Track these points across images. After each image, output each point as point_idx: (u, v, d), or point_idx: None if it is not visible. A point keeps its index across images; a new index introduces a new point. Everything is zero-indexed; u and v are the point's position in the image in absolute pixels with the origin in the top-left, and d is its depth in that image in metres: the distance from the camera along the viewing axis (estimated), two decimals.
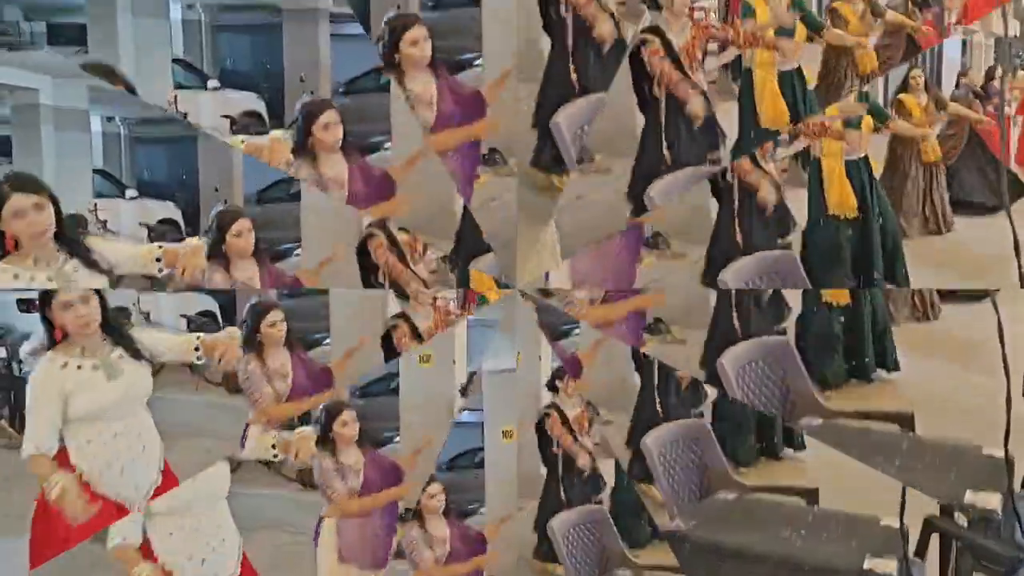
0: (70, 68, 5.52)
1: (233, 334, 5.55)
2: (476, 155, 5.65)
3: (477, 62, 5.64)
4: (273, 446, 5.64)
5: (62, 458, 5.14)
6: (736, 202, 5.73)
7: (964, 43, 6.32)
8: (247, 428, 5.64)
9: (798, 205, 5.86)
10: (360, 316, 5.76)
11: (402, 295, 5.65)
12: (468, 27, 5.62)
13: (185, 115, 5.66)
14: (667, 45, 5.74)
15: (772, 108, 5.82)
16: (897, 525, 5.37)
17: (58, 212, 5.05)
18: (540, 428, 5.90)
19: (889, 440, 5.67)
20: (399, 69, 5.53)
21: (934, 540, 5.44)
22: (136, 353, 5.12)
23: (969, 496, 5.52)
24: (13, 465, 5.18)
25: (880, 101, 6.11)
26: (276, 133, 5.51)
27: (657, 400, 5.82)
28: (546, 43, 5.70)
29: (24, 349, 5.31)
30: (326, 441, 5.75)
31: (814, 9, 6.02)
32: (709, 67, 5.80)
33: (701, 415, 5.80)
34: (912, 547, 5.50)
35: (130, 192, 5.65)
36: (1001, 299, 5.71)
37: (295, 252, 5.67)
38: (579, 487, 5.90)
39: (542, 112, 5.71)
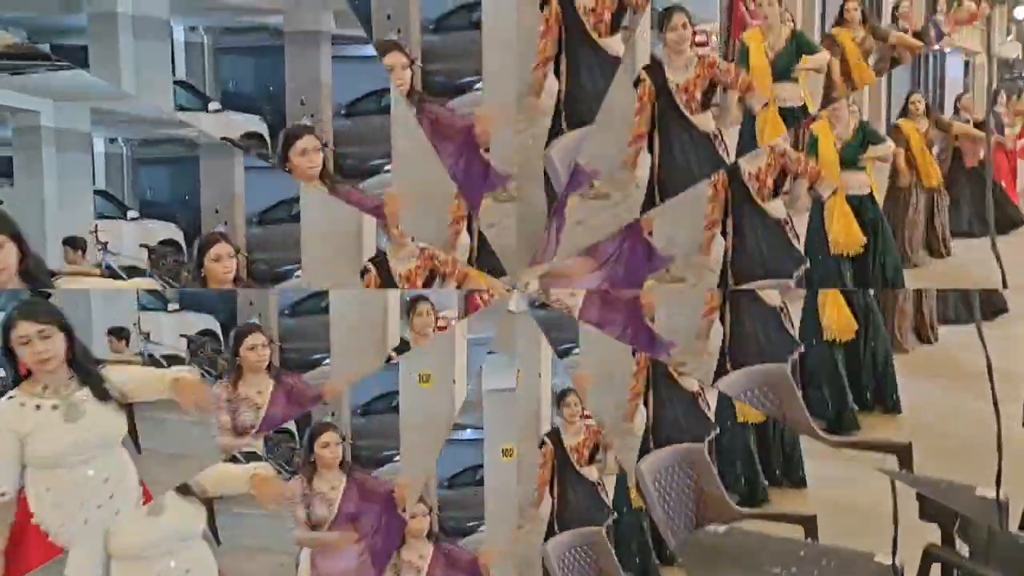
0: (72, 90, 5.37)
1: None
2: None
3: (477, 86, 5.52)
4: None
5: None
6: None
7: (966, 64, 6.18)
8: None
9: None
10: (360, 334, 5.58)
11: None
12: (469, 51, 5.53)
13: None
14: (661, 82, 5.57)
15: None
16: (889, 562, 5.18)
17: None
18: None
19: (787, 548, 5.51)
20: None
21: (935, 570, 5.26)
22: (103, 394, 4.75)
23: None
24: None
25: (883, 124, 5.98)
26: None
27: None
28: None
29: None
30: (307, 464, 5.54)
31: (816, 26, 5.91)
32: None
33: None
34: None
35: (131, 213, 5.57)
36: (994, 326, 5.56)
37: (295, 274, 5.55)
38: (576, 513, 5.72)
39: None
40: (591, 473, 5.70)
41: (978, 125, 6.08)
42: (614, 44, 5.55)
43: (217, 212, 5.52)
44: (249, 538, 5.49)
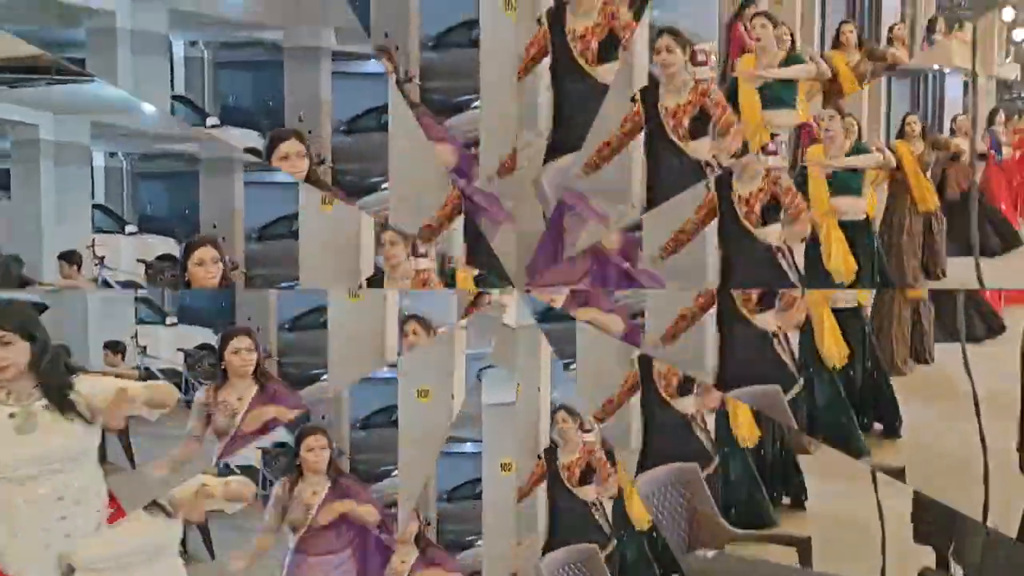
0: (72, 104, 5.30)
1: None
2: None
3: (475, 104, 5.43)
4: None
5: None
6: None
7: (965, 84, 6.09)
8: None
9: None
10: (360, 345, 5.51)
11: None
12: (467, 69, 5.44)
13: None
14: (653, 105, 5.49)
15: None
16: None
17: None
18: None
19: (777, 574, 5.43)
20: None
21: None
22: (65, 406, 4.32)
23: None
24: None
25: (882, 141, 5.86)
26: None
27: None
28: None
29: None
30: (292, 467, 5.46)
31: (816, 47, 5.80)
32: None
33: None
34: None
35: (129, 228, 5.50)
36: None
37: (296, 287, 5.47)
38: (569, 532, 5.63)
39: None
40: (585, 493, 5.55)
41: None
42: (603, 72, 5.41)
43: (215, 227, 5.42)
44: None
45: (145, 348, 5.47)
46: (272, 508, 5.31)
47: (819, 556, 5.36)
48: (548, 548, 5.60)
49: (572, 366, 5.60)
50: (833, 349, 5.49)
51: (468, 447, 5.60)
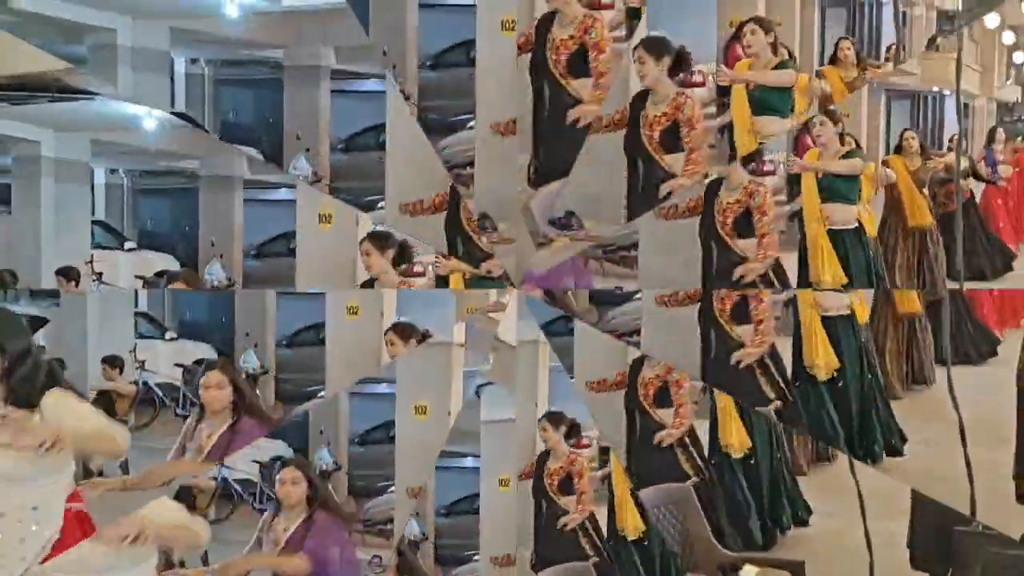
0: (73, 121, 5.30)
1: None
2: None
3: (470, 123, 5.40)
4: None
5: None
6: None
7: (966, 106, 6.03)
8: None
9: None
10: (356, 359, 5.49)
11: None
12: (464, 88, 5.42)
13: None
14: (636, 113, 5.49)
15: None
16: None
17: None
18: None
19: None
20: None
21: None
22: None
23: None
24: None
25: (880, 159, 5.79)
26: None
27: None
28: None
29: None
30: (273, 499, 5.40)
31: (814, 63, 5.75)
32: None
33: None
34: None
35: (128, 244, 5.47)
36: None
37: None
38: (551, 544, 5.56)
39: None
40: (567, 503, 5.49)
41: (973, 172, 5.87)
42: (576, 85, 5.37)
43: (214, 244, 5.40)
44: None
45: (144, 363, 5.41)
46: (255, 539, 5.24)
47: None
48: (536, 557, 5.49)
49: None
50: (821, 359, 5.38)
51: (468, 462, 5.55)
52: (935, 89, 5.91)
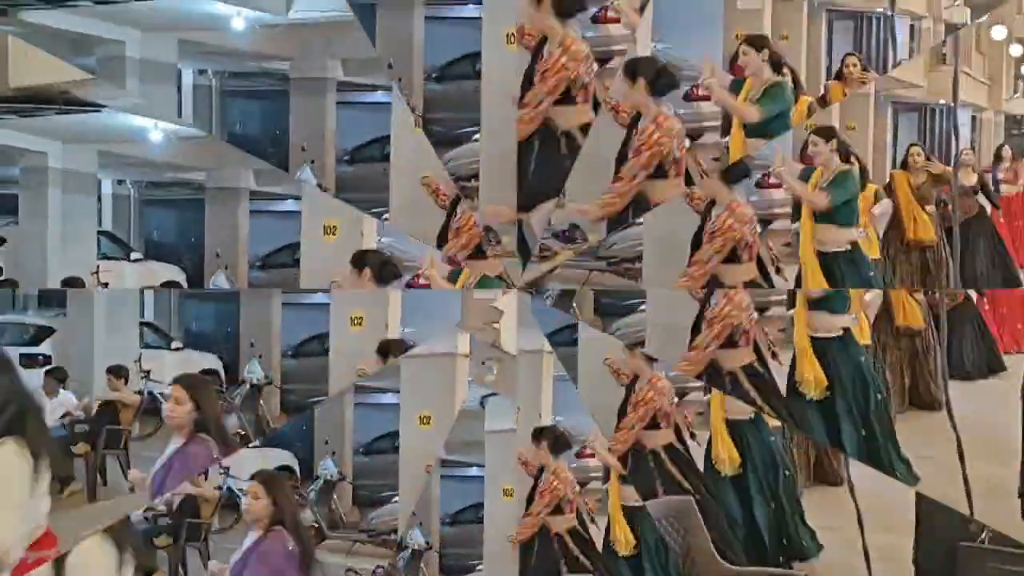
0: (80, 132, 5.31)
1: None
2: None
3: (475, 136, 5.40)
4: None
5: None
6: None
7: (973, 119, 5.99)
8: None
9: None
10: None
11: None
12: (470, 101, 5.40)
13: None
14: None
15: None
16: None
17: None
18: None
19: None
20: None
21: None
22: None
23: None
24: None
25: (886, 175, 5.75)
26: None
27: None
28: None
29: None
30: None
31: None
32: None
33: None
34: None
35: (135, 254, 5.49)
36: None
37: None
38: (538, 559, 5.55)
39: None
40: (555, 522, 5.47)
41: (972, 188, 5.84)
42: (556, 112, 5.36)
43: (219, 256, 5.40)
44: None
45: (149, 372, 5.42)
46: None
47: None
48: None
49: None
50: (810, 378, 5.36)
51: (473, 471, 5.52)
52: (942, 101, 5.86)
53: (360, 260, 5.37)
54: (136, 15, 5.37)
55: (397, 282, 5.38)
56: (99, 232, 5.45)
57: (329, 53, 5.47)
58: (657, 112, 5.36)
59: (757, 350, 5.42)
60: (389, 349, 5.49)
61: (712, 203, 5.40)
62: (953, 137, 5.80)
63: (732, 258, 5.37)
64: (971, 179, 5.82)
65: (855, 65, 5.63)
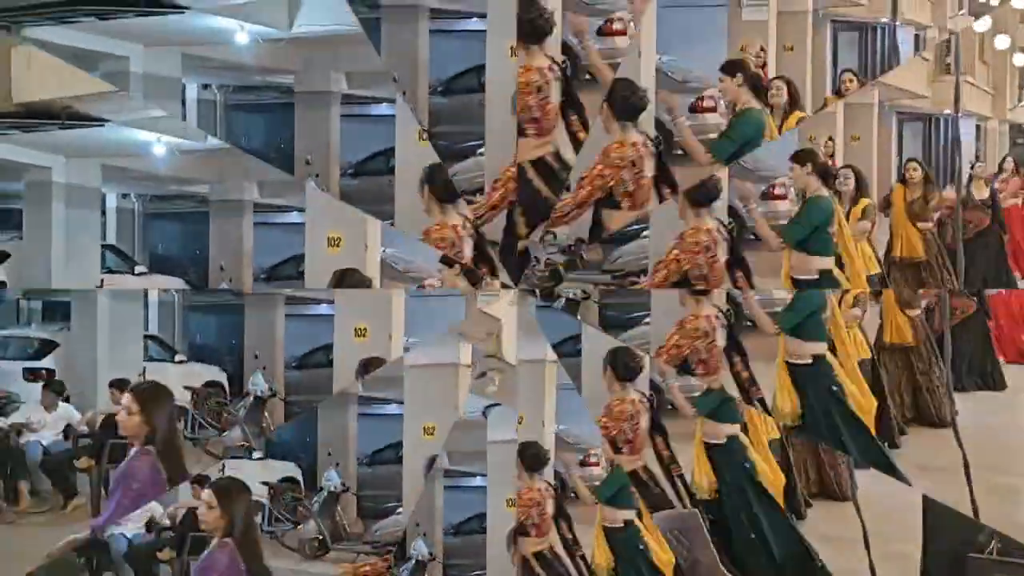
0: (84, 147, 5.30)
1: None
2: None
3: (480, 150, 5.36)
4: None
5: None
6: None
7: (978, 128, 5.97)
8: None
9: None
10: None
11: None
12: (474, 114, 5.37)
13: None
14: None
15: None
16: None
17: None
18: None
19: None
20: None
21: None
22: None
23: None
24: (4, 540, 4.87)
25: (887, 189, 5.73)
26: None
27: None
28: None
29: None
30: None
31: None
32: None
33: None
34: None
35: (139, 268, 5.47)
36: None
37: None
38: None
39: None
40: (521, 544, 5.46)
41: (984, 202, 5.81)
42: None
43: (223, 269, 5.37)
44: None
45: None
46: None
47: None
48: None
49: None
50: (785, 406, 5.33)
51: (476, 481, 5.50)
52: (946, 111, 5.84)
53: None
54: (140, 31, 5.35)
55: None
56: (103, 246, 5.43)
57: (333, 66, 5.43)
58: (612, 140, 5.32)
59: None
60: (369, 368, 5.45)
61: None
62: (956, 147, 5.76)
63: (683, 283, 5.33)
64: (983, 192, 5.78)
65: (851, 81, 5.59)
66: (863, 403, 5.35)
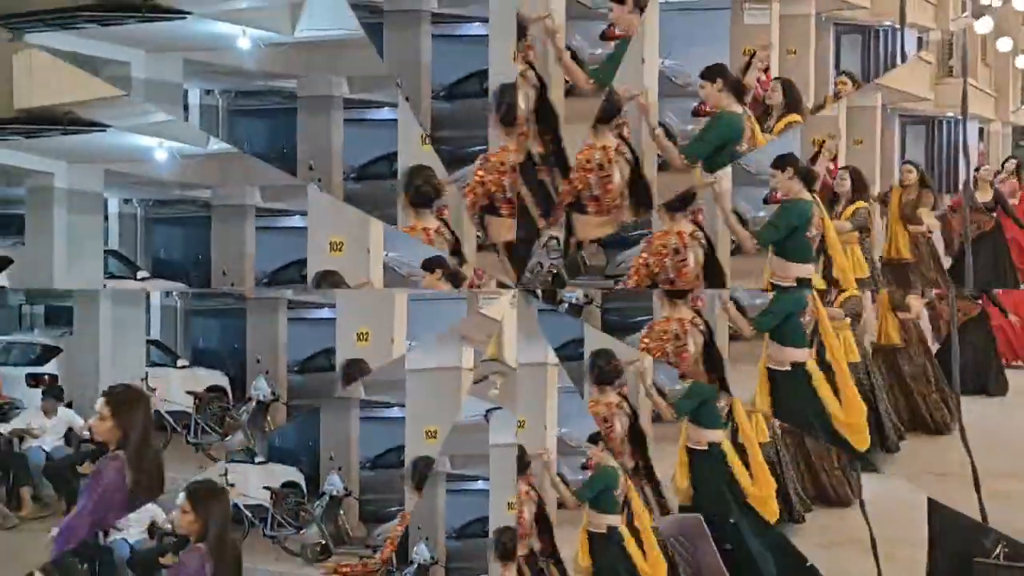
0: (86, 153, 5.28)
1: None
2: None
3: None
4: None
5: None
6: None
7: (981, 131, 5.95)
8: None
9: None
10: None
11: None
12: (477, 119, 5.34)
13: None
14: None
15: None
16: None
17: None
18: None
19: None
20: None
21: None
22: None
23: None
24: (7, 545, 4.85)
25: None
26: None
27: None
28: None
29: None
30: None
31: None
32: None
33: None
34: None
35: (141, 273, 5.46)
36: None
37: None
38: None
39: None
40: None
41: (987, 204, 5.79)
42: None
43: (225, 274, 5.37)
44: None
45: (155, 390, 5.38)
46: None
47: None
48: None
49: None
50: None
51: (478, 484, 5.49)
52: (949, 114, 5.82)
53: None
54: (141, 36, 5.34)
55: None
56: (106, 251, 5.42)
57: (335, 71, 5.39)
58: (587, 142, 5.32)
59: None
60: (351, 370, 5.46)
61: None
62: (961, 150, 5.75)
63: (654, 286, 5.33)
64: (987, 195, 5.77)
65: (845, 84, 5.58)
66: (842, 416, 5.31)
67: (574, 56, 5.35)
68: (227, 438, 5.40)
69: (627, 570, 5.31)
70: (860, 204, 5.44)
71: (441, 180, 5.29)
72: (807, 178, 5.31)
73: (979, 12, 5.73)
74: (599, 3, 5.38)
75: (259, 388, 5.51)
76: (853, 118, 5.66)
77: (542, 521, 5.42)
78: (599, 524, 5.37)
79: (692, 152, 5.33)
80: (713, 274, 5.30)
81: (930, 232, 5.58)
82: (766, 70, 5.52)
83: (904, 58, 5.73)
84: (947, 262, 5.73)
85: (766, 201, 5.41)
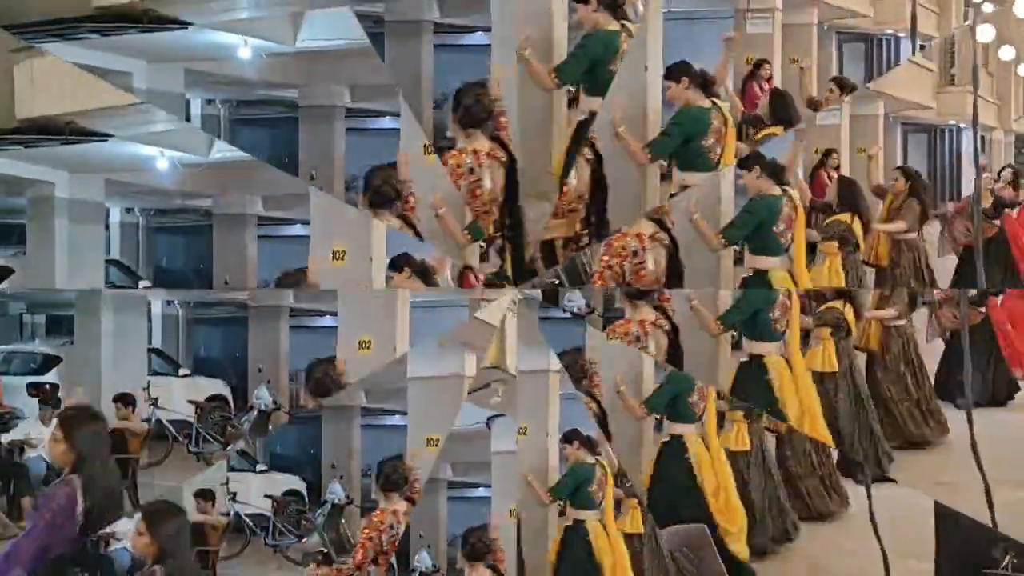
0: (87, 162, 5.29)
1: None
2: None
3: None
4: None
5: None
6: None
7: (983, 139, 5.93)
8: None
9: None
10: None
11: None
12: None
13: None
14: None
15: None
16: None
17: None
18: None
19: None
20: None
21: None
22: None
23: None
24: None
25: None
26: None
27: None
28: None
29: None
30: None
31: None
32: None
33: None
34: None
35: (143, 283, 5.47)
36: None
37: None
38: None
39: None
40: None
41: (986, 212, 5.77)
42: None
43: (227, 283, 5.35)
44: None
45: (156, 400, 5.37)
46: None
47: None
48: None
49: None
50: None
51: (480, 491, 5.46)
52: (951, 122, 5.80)
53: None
54: (143, 46, 5.32)
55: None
56: (107, 261, 5.41)
57: (337, 80, 5.37)
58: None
59: None
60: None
61: None
62: (963, 157, 5.74)
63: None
64: (987, 201, 5.76)
65: (832, 91, 5.55)
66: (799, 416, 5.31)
67: None
68: (228, 447, 5.39)
69: (587, 558, 5.30)
70: (842, 217, 5.41)
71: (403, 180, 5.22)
72: (776, 173, 5.25)
73: (980, 20, 5.73)
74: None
75: (261, 397, 5.49)
76: (855, 126, 5.62)
77: None
78: (570, 517, 5.35)
79: (658, 147, 5.26)
80: (676, 275, 5.23)
81: (909, 235, 5.55)
82: (768, 79, 5.49)
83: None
84: (950, 268, 5.65)
85: None
